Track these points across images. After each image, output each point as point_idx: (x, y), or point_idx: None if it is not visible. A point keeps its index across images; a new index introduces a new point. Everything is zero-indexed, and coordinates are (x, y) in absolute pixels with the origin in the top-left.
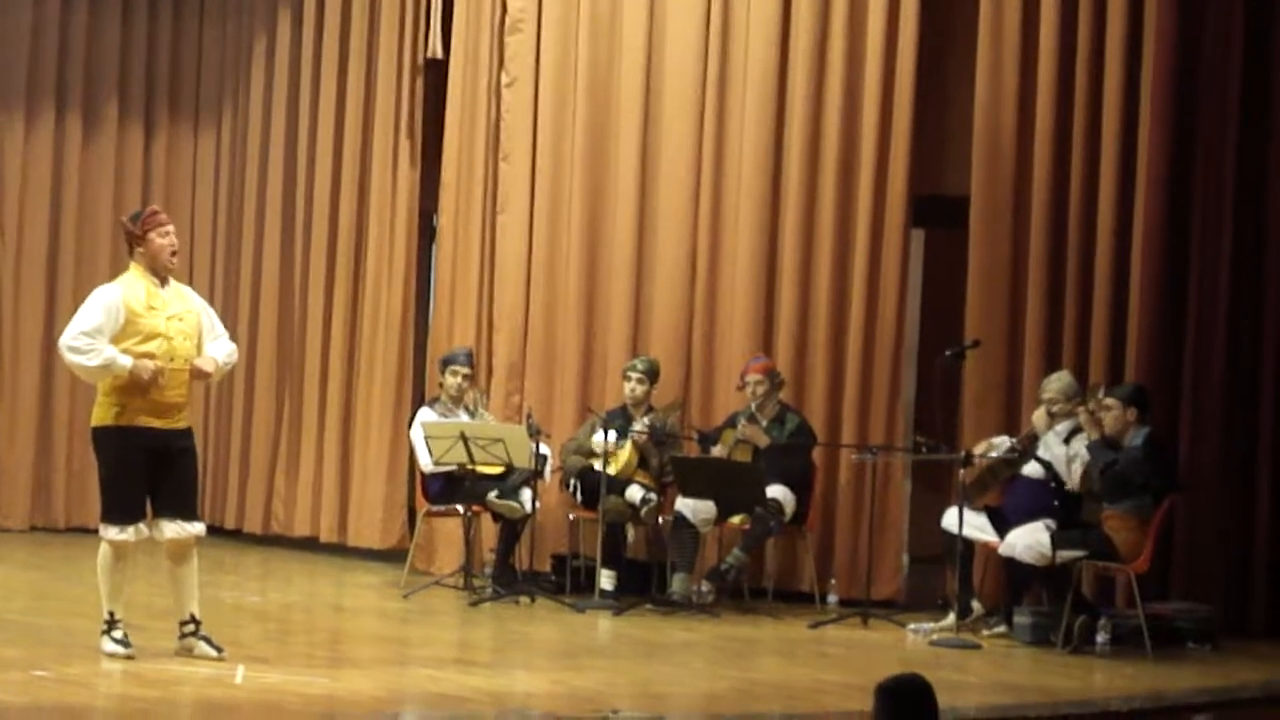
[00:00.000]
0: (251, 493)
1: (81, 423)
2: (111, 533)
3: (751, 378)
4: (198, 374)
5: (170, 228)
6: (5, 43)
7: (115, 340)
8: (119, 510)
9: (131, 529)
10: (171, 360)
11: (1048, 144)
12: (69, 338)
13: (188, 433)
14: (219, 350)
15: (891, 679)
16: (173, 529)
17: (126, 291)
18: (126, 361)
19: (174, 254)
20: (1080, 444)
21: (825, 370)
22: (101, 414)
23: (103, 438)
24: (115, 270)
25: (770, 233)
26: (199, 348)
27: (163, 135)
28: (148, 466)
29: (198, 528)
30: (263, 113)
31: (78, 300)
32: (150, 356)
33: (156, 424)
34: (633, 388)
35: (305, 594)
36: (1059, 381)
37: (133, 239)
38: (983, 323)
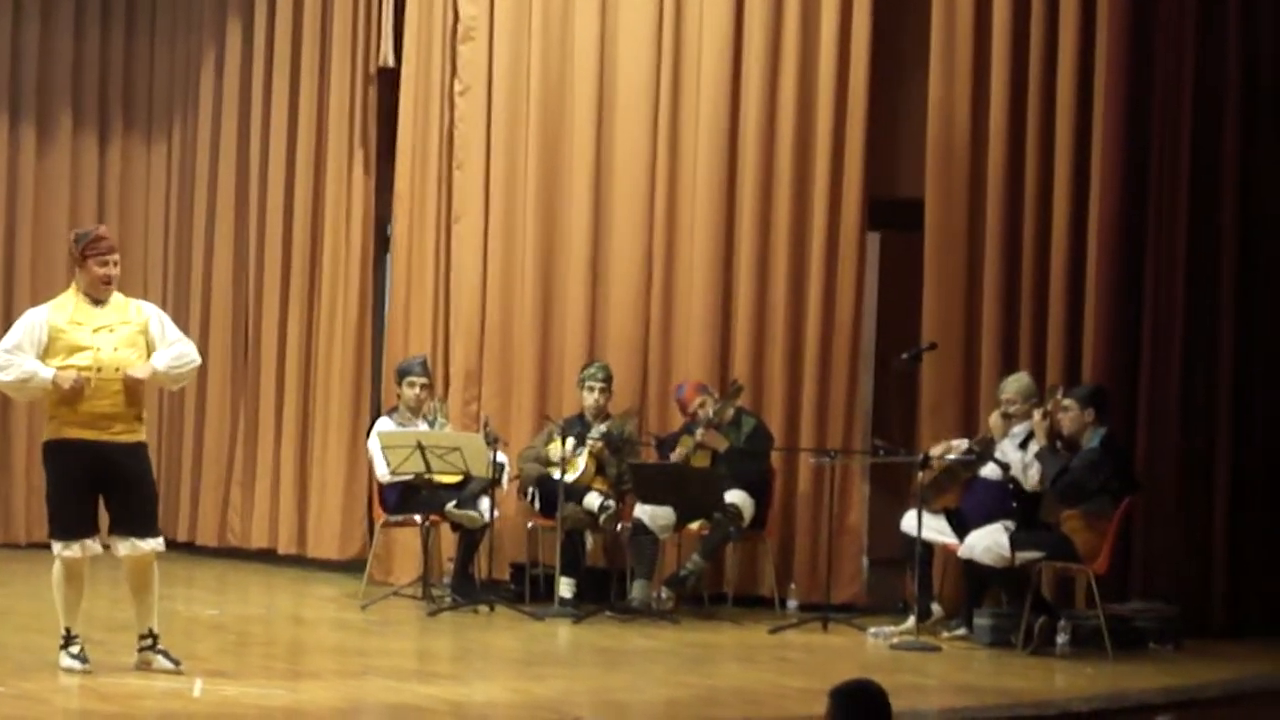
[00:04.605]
0: (205, 505)
1: (39, 438)
2: (58, 548)
3: (694, 404)
4: (132, 381)
5: (111, 256)
6: None
7: (44, 358)
8: (61, 526)
9: (77, 545)
10: (99, 371)
11: (1002, 145)
12: None
13: (136, 448)
14: (163, 357)
15: (845, 684)
16: (125, 547)
17: (53, 311)
18: (47, 373)
19: (108, 283)
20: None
21: (782, 374)
22: (44, 430)
23: (43, 453)
24: (72, 278)
25: (726, 237)
26: (145, 357)
27: (116, 145)
28: (87, 480)
29: (152, 544)
30: (214, 123)
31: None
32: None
33: (89, 436)
34: (596, 398)
35: (263, 606)
36: (1017, 383)
37: (74, 260)
38: (939, 325)
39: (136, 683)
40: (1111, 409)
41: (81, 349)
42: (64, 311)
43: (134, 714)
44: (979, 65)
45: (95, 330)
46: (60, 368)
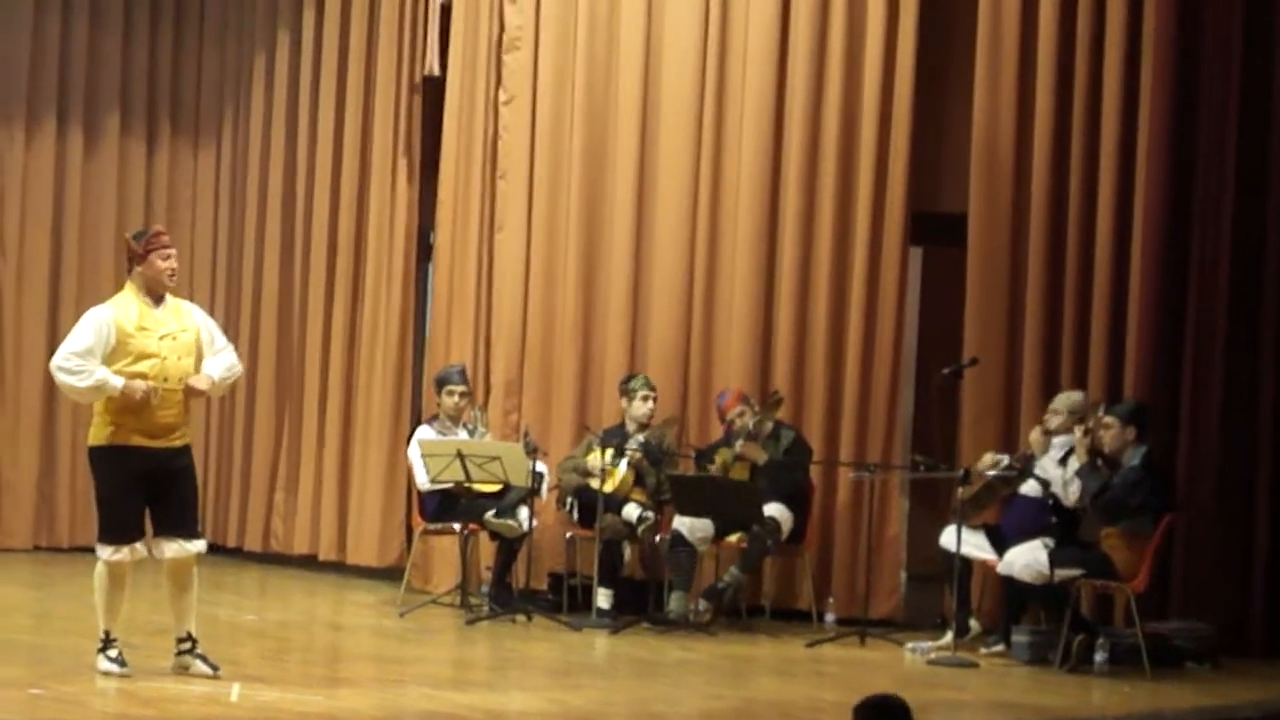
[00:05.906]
0: (252, 510)
1: (84, 441)
2: (106, 553)
3: (732, 413)
4: (192, 393)
5: (172, 250)
6: (6, 57)
7: (107, 361)
8: (113, 530)
9: (126, 549)
10: (165, 380)
11: (1046, 161)
12: (60, 359)
13: (185, 451)
14: (216, 365)
15: (868, 699)
16: (172, 548)
17: (118, 312)
18: (118, 382)
19: (173, 275)
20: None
21: (823, 388)
22: (96, 433)
23: (97, 457)
24: (118, 284)
25: (768, 249)
26: (197, 365)
27: (164, 150)
28: (143, 487)
29: (197, 546)
30: (262, 130)
31: (80, 315)
32: (143, 377)
33: (150, 444)
34: (651, 408)
35: (302, 612)
36: (1068, 399)
37: (134, 257)
38: (981, 340)
39: (174, 687)
40: (1153, 427)
41: (149, 356)
42: (127, 313)
43: (171, 718)
44: (1023, 79)
45: (161, 338)
46: (128, 374)
